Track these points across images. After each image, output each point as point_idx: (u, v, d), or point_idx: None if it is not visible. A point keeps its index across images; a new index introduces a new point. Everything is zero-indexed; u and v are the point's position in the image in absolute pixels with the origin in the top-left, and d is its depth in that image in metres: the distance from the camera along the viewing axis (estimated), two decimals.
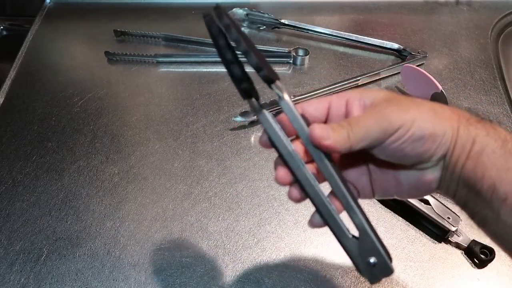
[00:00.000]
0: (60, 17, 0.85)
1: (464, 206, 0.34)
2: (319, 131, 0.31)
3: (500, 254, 0.49)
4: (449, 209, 0.51)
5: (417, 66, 0.68)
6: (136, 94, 0.69)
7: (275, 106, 0.64)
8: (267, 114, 0.33)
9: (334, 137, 0.31)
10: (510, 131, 0.32)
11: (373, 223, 0.33)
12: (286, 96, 0.33)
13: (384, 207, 0.54)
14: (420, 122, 0.31)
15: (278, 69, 0.74)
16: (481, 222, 0.33)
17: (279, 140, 0.33)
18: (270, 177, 0.57)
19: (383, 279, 0.47)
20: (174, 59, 0.75)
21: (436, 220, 0.50)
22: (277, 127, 0.33)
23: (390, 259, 0.33)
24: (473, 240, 0.50)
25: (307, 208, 0.53)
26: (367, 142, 0.32)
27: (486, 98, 0.68)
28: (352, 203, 0.33)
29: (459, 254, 0.50)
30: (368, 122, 0.32)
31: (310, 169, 0.33)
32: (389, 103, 0.33)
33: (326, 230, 0.52)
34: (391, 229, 0.52)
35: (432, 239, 0.51)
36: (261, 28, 0.82)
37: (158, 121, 0.65)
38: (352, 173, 0.37)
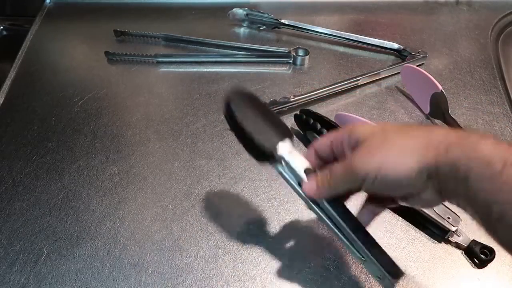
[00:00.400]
0: (60, 17, 0.85)
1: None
2: (306, 187, 0.38)
3: (500, 254, 0.49)
4: (449, 209, 0.51)
5: (417, 66, 0.68)
6: (136, 94, 0.69)
7: (275, 106, 0.64)
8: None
9: (318, 189, 0.37)
10: (494, 145, 0.31)
11: (373, 223, 0.34)
12: None
13: None
14: (385, 170, 0.33)
15: (278, 69, 0.74)
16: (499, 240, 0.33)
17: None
18: (270, 177, 0.57)
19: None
20: (174, 59, 0.75)
21: (436, 220, 0.50)
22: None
23: (396, 273, 0.38)
24: (473, 240, 0.50)
25: (307, 208, 0.53)
26: (345, 189, 0.37)
27: (486, 98, 0.68)
28: (352, 236, 0.39)
29: (459, 254, 0.50)
30: (339, 173, 0.36)
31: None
32: (362, 147, 0.35)
33: (326, 231, 0.52)
34: (391, 229, 0.52)
35: (432, 239, 0.51)
36: (261, 28, 0.82)
37: (158, 121, 0.65)
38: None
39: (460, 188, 0.31)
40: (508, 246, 0.32)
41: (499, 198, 0.29)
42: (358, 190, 0.37)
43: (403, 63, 0.71)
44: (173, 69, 0.74)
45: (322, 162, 0.40)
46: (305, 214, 0.53)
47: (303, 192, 0.39)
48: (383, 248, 0.39)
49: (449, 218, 0.50)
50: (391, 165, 0.33)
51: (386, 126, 0.37)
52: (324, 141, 0.39)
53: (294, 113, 0.63)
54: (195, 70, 0.74)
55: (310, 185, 0.38)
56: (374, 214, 0.41)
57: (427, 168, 0.32)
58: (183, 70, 0.74)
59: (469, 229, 0.51)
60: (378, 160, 0.34)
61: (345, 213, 0.39)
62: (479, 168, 0.30)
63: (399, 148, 0.33)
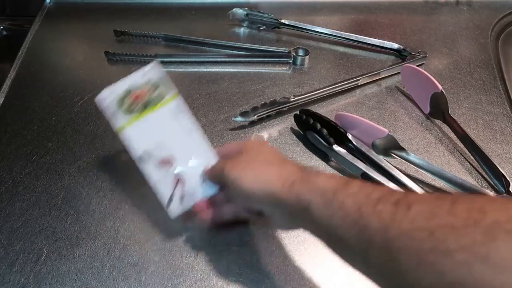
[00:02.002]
0: (60, 17, 0.85)
1: None
2: (207, 171, 0.49)
3: None
4: None
5: (417, 66, 0.68)
6: None
7: (275, 106, 0.64)
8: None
9: (206, 176, 0.49)
10: (327, 179, 0.38)
11: None
12: None
13: None
14: (240, 182, 0.42)
15: (278, 69, 0.74)
16: (340, 256, 0.37)
17: None
18: None
19: None
20: (174, 59, 0.75)
21: None
22: None
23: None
24: None
25: None
26: (219, 183, 0.47)
27: (486, 98, 0.68)
28: None
29: None
30: (216, 170, 0.47)
31: None
32: (237, 157, 0.45)
33: None
34: None
35: None
36: (261, 28, 0.82)
37: None
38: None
39: (306, 217, 0.37)
40: (352, 264, 0.35)
41: (333, 223, 0.34)
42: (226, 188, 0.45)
43: (403, 63, 0.71)
44: (173, 69, 0.74)
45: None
46: None
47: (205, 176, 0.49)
48: None
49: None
50: (245, 181, 0.42)
51: (262, 149, 0.45)
52: (224, 149, 0.50)
53: (294, 113, 0.63)
54: (195, 70, 0.74)
55: (206, 172, 0.49)
56: (234, 214, 0.49)
57: (272, 195, 0.40)
58: (183, 70, 0.74)
59: None
60: (239, 173, 0.43)
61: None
62: (317, 198, 0.36)
63: (256, 172, 0.42)
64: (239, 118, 0.63)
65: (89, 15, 0.85)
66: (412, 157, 0.56)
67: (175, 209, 0.48)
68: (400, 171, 0.55)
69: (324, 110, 0.66)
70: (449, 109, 0.62)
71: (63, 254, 0.50)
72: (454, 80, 0.71)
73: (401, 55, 0.76)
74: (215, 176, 0.47)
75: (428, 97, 0.63)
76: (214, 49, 0.78)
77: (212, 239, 0.51)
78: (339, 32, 0.78)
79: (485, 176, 0.57)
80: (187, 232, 0.52)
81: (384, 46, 0.76)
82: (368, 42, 0.77)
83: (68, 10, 0.86)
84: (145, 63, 0.74)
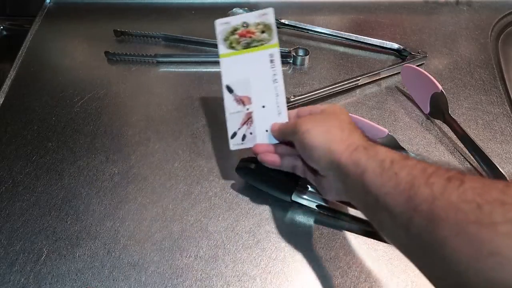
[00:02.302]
0: (60, 17, 0.85)
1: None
2: (273, 126, 0.52)
3: None
4: None
5: (417, 66, 0.68)
6: (136, 94, 0.69)
7: None
8: None
9: (276, 130, 0.51)
10: (388, 150, 0.39)
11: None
12: None
13: None
14: (309, 134, 0.43)
15: None
16: (378, 227, 0.38)
17: None
18: None
19: (381, 281, 0.47)
20: (174, 59, 0.75)
21: None
22: None
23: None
24: None
25: (307, 208, 0.53)
26: (286, 137, 0.49)
27: (486, 98, 0.68)
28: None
29: None
30: (288, 124, 0.49)
31: None
32: (312, 116, 0.47)
33: (327, 231, 0.52)
34: None
35: None
36: None
37: (158, 121, 0.65)
38: (295, 154, 0.49)
39: (358, 182, 0.38)
40: (390, 235, 0.36)
41: (384, 190, 0.35)
42: (292, 143, 0.47)
43: (403, 63, 0.71)
44: (173, 69, 0.74)
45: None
46: (306, 215, 0.53)
47: (271, 129, 0.52)
48: None
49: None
50: (314, 134, 0.43)
51: (339, 114, 0.46)
52: (304, 109, 0.51)
53: None
54: (195, 70, 0.74)
55: (274, 125, 0.51)
56: (293, 166, 0.50)
57: (333, 155, 0.41)
58: (183, 70, 0.74)
59: None
60: (311, 126, 0.44)
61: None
62: (374, 166, 0.37)
63: (328, 129, 0.43)
64: None
65: (89, 15, 0.85)
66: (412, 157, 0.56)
67: (235, 143, 0.53)
68: None
69: None
70: (449, 109, 0.62)
71: (63, 254, 0.50)
72: (454, 80, 0.71)
73: (401, 55, 0.76)
74: (285, 131, 0.49)
75: (428, 97, 0.63)
76: (214, 49, 0.78)
77: (212, 239, 0.51)
78: (339, 32, 0.78)
79: (485, 176, 0.57)
80: (187, 232, 0.52)
81: (384, 46, 0.76)
82: (368, 42, 0.77)
83: (68, 10, 0.86)
84: (145, 63, 0.75)
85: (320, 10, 0.86)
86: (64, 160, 0.60)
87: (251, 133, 0.52)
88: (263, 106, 0.52)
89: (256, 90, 0.53)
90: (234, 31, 0.54)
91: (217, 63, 0.75)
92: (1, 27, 0.92)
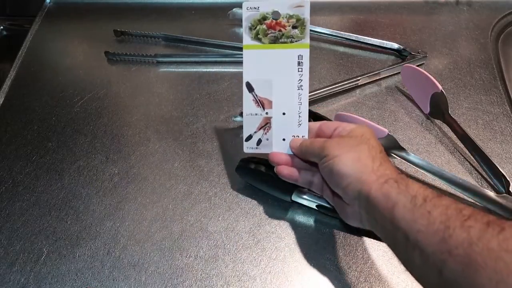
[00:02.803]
0: (60, 17, 0.85)
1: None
2: (292, 141, 0.49)
3: None
4: None
5: (417, 66, 0.68)
6: (136, 94, 0.69)
7: None
8: None
9: (298, 147, 0.48)
10: (421, 186, 0.38)
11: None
12: None
13: None
14: (339, 160, 0.41)
15: None
16: (406, 264, 0.37)
17: None
18: None
19: (381, 281, 0.46)
20: (174, 59, 0.75)
21: None
22: None
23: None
24: None
25: (307, 208, 0.53)
26: (308, 156, 0.46)
27: (486, 98, 0.68)
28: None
29: None
30: (315, 145, 0.45)
31: None
32: (341, 139, 0.44)
33: (327, 231, 0.52)
34: None
35: None
36: None
37: (158, 121, 0.65)
38: (313, 170, 0.48)
39: (387, 216, 0.37)
40: (418, 274, 0.36)
41: (415, 227, 0.34)
42: (316, 164, 0.45)
43: (403, 63, 0.71)
44: (173, 69, 0.74)
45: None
46: (306, 215, 0.53)
47: (290, 144, 0.49)
48: None
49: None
50: (344, 161, 0.41)
51: (369, 139, 0.43)
52: (328, 126, 0.48)
53: None
54: (195, 70, 0.74)
55: (295, 141, 0.49)
56: (310, 182, 0.49)
57: (362, 185, 0.40)
58: (183, 70, 0.74)
59: None
60: (340, 151, 0.42)
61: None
62: (405, 201, 0.36)
63: (356, 158, 0.41)
64: (239, 118, 0.63)
65: (89, 15, 0.85)
66: (412, 157, 0.56)
67: (249, 147, 0.51)
68: (400, 171, 0.55)
69: (324, 110, 0.66)
70: (449, 109, 0.62)
71: (63, 254, 0.50)
72: (454, 80, 0.71)
73: (401, 55, 0.76)
74: (308, 151, 0.46)
75: (428, 97, 0.63)
76: (214, 49, 0.78)
77: (212, 239, 0.51)
78: (339, 32, 0.78)
79: (485, 176, 0.57)
80: (187, 232, 0.52)
81: (384, 46, 0.76)
82: (368, 42, 0.77)
83: (68, 10, 0.86)
84: (145, 63, 0.75)
85: (320, 10, 0.86)
86: (64, 160, 0.60)
87: (267, 139, 0.50)
88: (284, 113, 0.49)
89: (278, 94, 0.49)
90: (262, 19, 0.48)
91: (217, 63, 0.76)
92: (1, 27, 0.92)
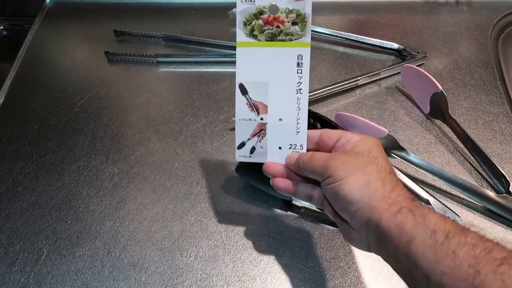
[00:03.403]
0: (60, 17, 0.85)
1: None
2: (288, 157, 0.45)
3: None
4: (449, 209, 0.51)
5: (417, 66, 0.68)
6: (136, 94, 0.69)
7: None
8: None
9: (294, 163, 0.43)
10: (441, 217, 0.34)
11: None
12: None
13: None
14: (346, 184, 0.37)
15: None
16: None
17: None
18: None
19: (382, 281, 0.46)
20: (174, 59, 0.75)
21: None
22: None
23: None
24: None
25: (307, 208, 0.53)
26: (311, 176, 0.42)
27: (486, 98, 0.68)
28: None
29: None
30: (315, 162, 0.41)
31: None
32: (346, 158, 0.39)
33: (327, 231, 0.52)
34: None
35: None
36: None
37: (158, 121, 0.65)
38: (313, 185, 0.44)
39: (401, 249, 0.33)
40: None
41: (439, 268, 0.31)
42: (318, 182, 0.41)
43: (403, 63, 0.71)
44: (173, 69, 0.74)
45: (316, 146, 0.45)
46: (306, 215, 0.53)
47: (285, 160, 0.45)
48: None
49: (449, 217, 0.50)
50: (351, 184, 0.37)
51: (377, 157, 0.39)
52: (329, 135, 0.43)
53: None
54: (195, 70, 0.74)
55: (291, 157, 0.44)
56: (310, 196, 0.44)
57: (373, 213, 0.35)
58: (183, 70, 0.74)
59: None
60: (347, 174, 0.37)
61: None
62: (424, 236, 0.32)
63: (365, 181, 0.37)
64: None
65: (89, 15, 0.85)
66: (412, 157, 0.56)
67: (242, 155, 0.46)
68: (400, 171, 0.55)
69: (324, 110, 0.66)
70: (449, 109, 0.62)
71: (63, 254, 0.50)
72: (454, 80, 0.71)
73: (401, 55, 0.76)
74: (307, 168, 0.42)
75: (428, 97, 0.63)
76: (214, 49, 0.78)
77: (212, 239, 0.51)
78: (339, 32, 0.78)
79: (485, 176, 0.57)
80: (187, 232, 0.52)
81: (384, 46, 0.76)
82: (368, 42, 0.77)
83: (68, 10, 0.86)
84: (145, 63, 0.75)
85: (320, 10, 0.86)
86: (64, 160, 0.60)
87: (262, 147, 0.46)
88: (280, 119, 0.44)
89: (274, 98, 0.44)
90: (259, 13, 0.43)
91: (217, 63, 0.76)
92: (1, 27, 0.92)
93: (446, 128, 0.63)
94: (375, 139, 0.41)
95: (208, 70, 0.74)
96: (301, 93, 0.44)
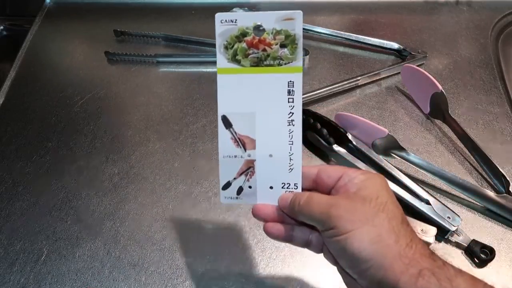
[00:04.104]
0: (60, 17, 0.85)
1: None
2: (281, 198, 0.39)
3: (500, 254, 0.49)
4: (449, 209, 0.51)
5: (417, 66, 0.68)
6: (136, 94, 0.69)
7: None
8: None
9: (287, 205, 0.37)
10: (472, 281, 0.31)
11: None
12: None
13: None
14: (353, 238, 0.31)
15: None
16: None
17: None
18: None
19: None
20: (174, 59, 0.75)
21: (436, 220, 0.50)
22: None
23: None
24: (473, 239, 0.50)
25: None
26: (305, 219, 0.36)
27: (486, 98, 0.68)
28: None
29: (459, 254, 0.50)
30: (314, 208, 0.35)
31: None
32: (351, 204, 0.33)
33: None
34: None
35: None
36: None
37: (158, 121, 0.65)
38: (310, 229, 0.38)
39: None
40: None
41: None
42: (316, 229, 0.37)
43: (403, 63, 0.71)
44: (173, 69, 0.74)
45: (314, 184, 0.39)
46: None
47: (278, 202, 0.39)
48: None
49: (449, 218, 0.50)
50: (359, 240, 0.31)
51: (386, 203, 0.33)
52: (327, 171, 0.37)
53: None
54: (195, 70, 0.74)
55: (285, 197, 0.38)
56: (307, 242, 0.39)
57: (387, 274, 0.30)
58: (183, 70, 0.74)
59: (469, 229, 0.51)
60: (354, 227, 0.32)
61: None
62: None
63: (375, 235, 0.31)
64: None
65: (89, 15, 0.85)
66: (412, 157, 0.56)
67: (227, 197, 0.41)
68: (400, 171, 0.55)
69: (324, 110, 0.66)
70: (449, 109, 0.62)
71: (63, 254, 0.50)
72: (454, 80, 0.71)
73: (401, 55, 0.76)
74: (304, 213, 0.36)
75: (428, 97, 0.63)
76: (214, 49, 0.77)
77: (212, 240, 0.51)
78: (339, 32, 0.78)
79: (485, 176, 0.57)
80: (187, 232, 0.52)
81: (384, 46, 0.76)
82: (368, 42, 0.77)
83: (68, 10, 0.86)
84: (145, 63, 0.75)
85: (320, 10, 0.86)
86: (64, 160, 0.60)
87: (250, 187, 0.40)
88: (270, 155, 0.39)
89: (263, 131, 0.39)
90: (241, 35, 0.38)
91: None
92: (1, 27, 0.92)
93: (446, 128, 0.63)
94: (381, 177, 0.36)
95: (208, 70, 0.74)
96: (293, 125, 0.38)
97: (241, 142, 0.40)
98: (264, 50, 0.38)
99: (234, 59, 0.38)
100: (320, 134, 0.58)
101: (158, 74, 0.73)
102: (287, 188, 0.39)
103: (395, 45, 0.76)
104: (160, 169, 0.58)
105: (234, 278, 0.48)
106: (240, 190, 0.40)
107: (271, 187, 0.40)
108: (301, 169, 0.39)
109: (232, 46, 0.38)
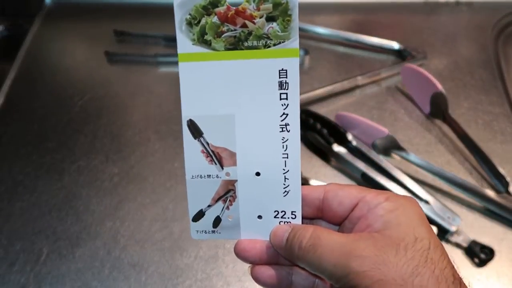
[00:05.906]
0: (60, 17, 0.85)
1: None
2: (275, 232, 0.29)
3: (500, 254, 0.49)
4: (449, 209, 0.51)
5: (417, 66, 0.68)
6: (136, 94, 0.69)
7: None
8: None
9: (283, 246, 0.27)
10: None
11: None
12: None
13: None
14: None
15: None
16: None
17: None
18: None
19: None
20: (174, 59, 0.74)
21: (436, 220, 0.50)
22: None
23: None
24: (473, 240, 0.50)
25: None
26: (311, 270, 0.26)
27: (486, 98, 0.68)
28: None
29: (459, 254, 0.50)
30: (326, 256, 0.25)
31: None
32: (379, 253, 0.24)
33: None
34: None
35: None
36: None
37: (158, 121, 0.65)
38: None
39: None
40: None
41: None
42: (320, 277, 0.27)
43: (403, 63, 0.71)
44: (173, 69, 0.74)
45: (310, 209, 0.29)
46: None
47: (270, 237, 0.29)
48: None
49: (449, 218, 0.50)
50: None
51: (428, 239, 0.25)
52: (344, 196, 0.28)
53: None
54: None
55: (279, 233, 0.28)
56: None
57: None
58: None
59: (469, 229, 0.51)
60: (381, 278, 0.23)
61: None
62: None
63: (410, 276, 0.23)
64: None
65: (89, 15, 0.85)
66: (412, 157, 0.56)
67: (200, 231, 0.31)
68: (400, 171, 0.55)
69: (324, 110, 0.66)
70: (449, 109, 0.62)
71: (63, 254, 0.50)
72: (454, 80, 0.71)
73: (401, 55, 0.75)
74: (308, 258, 0.26)
75: (428, 97, 0.63)
76: None
77: (212, 240, 0.51)
78: (339, 32, 0.78)
79: (485, 176, 0.57)
80: (187, 232, 0.52)
81: (384, 46, 0.76)
82: (368, 42, 0.77)
83: (68, 10, 0.86)
84: (145, 63, 0.75)
85: (320, 10, 0.86)
86: (64, 160, 0.60)
87: (230, 218, 0.30)
88: (257, 174, 0.29)
89: (246, 141, 0.28)
90: (211, 5, 0.26)
91: None
92: (1, 27, 0.92)
93: (446, 128, 0.63)
94: (413, 203, 0.26)
95: None
96: (288, 131, 0.27)
97: (215, 157, 0.29)
98: (244, 25, 0.26)
99: (201, 40, 0.27)
100: (320, 134, 0.58)
101: (158, 74, 0.73)
102: (281, 217, 0.29)
103: (395, 45, 0.76)
104: (160, 169, 0.58)
105: (234, 278, 0.48)
106: (217, 221, 0.30)
107: (259, 217, 0.30)
108: (301, 191, 0.28)
109: (199, 22, 0.27)
